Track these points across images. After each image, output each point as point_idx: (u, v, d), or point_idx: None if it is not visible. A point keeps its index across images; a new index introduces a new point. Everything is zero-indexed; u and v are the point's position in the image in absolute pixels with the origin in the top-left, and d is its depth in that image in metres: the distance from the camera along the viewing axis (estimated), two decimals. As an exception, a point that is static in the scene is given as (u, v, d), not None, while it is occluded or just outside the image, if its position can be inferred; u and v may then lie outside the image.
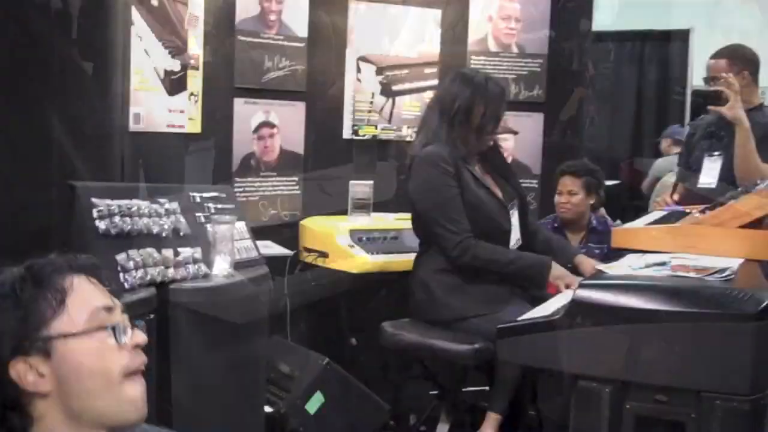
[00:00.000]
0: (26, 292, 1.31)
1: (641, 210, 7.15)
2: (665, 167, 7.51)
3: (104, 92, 3.04)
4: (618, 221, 4.63)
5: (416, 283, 3.18)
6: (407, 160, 3.23)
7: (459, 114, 3.15)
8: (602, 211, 5.84)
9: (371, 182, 4.25)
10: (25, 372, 1.29)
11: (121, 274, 2.70)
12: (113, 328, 1.33)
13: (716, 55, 3.77)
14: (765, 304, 2.03)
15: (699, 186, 3.73)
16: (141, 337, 1.38)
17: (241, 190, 4.05)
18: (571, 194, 4.18)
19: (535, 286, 3.08)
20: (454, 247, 3.04)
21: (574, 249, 3.47)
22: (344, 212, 4.21)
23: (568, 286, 2.88)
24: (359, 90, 4.47)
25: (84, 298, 1.34)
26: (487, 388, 4.10)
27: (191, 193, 3.22)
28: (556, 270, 3.02)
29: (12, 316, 1.29)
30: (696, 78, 8.14)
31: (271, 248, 3.90)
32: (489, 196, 3.15)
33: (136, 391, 1.34)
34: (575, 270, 3.18)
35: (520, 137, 4.71)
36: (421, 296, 3.15)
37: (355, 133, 4.47)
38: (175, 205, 3.07)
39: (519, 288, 3.15)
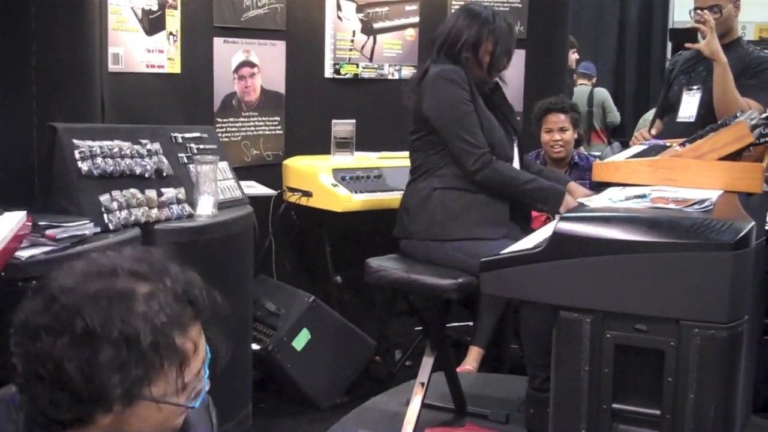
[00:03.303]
0: (141, 346, 1.19)
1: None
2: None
3: (83, 32, 3.01)
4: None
5: (403, 209, 3.23)
6: (410, 84, 3.24)
7: (464, 50, 3.12)
8: (582, 148, 5.88)
9: (353, 121, 4.25)
10: None
11: (104, 215, 2.71)
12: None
13: None
14: (743, 234, 2.07)
15: (678, 120, 3.75)
16: (205, 386, 1.33)
17: (223, 130, 4.03)
18: (562, 131, 4.18)
19: (548, 209, 3.14)
20: (474, 161, 3.01)
21: (566, 177, 3.50)
22: (327, 151, 4.21)
23: None
24: (340, 28, 4.43)
25: (191, 365, 1.27)
26: (470, 323, 4.17)
27: (173, 134, 3.21)
28: (569, 199, 3.01)
29: (113, 371, 1.17)
30: (677, 14, 8.11)
31: (255, 188, 3.91)
32: (498, 123, 3.17)
33: (181, 421, 1.31)
34: None
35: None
36: (408, 222, 3.18)
37: (337, 71, 4.44)
38: (157, 146, 3.07)
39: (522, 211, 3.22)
